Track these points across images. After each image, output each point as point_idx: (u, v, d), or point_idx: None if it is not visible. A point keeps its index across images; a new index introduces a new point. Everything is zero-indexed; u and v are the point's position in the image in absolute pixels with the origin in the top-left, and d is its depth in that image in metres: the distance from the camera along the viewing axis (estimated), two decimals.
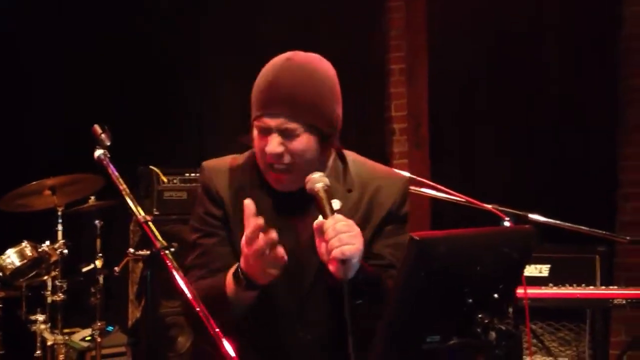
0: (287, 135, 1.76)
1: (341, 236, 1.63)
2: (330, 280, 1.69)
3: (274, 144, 1.76)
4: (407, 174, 2.86)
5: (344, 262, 1.61)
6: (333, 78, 1.86)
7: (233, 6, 5.04)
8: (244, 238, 1.66)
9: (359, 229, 1.68)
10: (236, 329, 1.75)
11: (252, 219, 1.63)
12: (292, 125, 1.75)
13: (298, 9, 5.02)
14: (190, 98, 5.19)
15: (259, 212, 1.67)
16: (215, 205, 1.89)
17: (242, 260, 1.69)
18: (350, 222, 1.67)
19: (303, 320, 1.84)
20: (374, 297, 1.71)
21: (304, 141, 1.77)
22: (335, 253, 1.61)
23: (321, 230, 1.66)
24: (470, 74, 4.94)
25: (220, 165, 1.94)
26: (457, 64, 4.93)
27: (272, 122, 1.76)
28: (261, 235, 1.63)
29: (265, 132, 1.78)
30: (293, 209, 1.84)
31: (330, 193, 1.71)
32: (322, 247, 1.66)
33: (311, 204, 1.74)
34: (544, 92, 4.86)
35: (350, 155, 1.96)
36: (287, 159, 1.77)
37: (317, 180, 1.72)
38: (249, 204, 1.66)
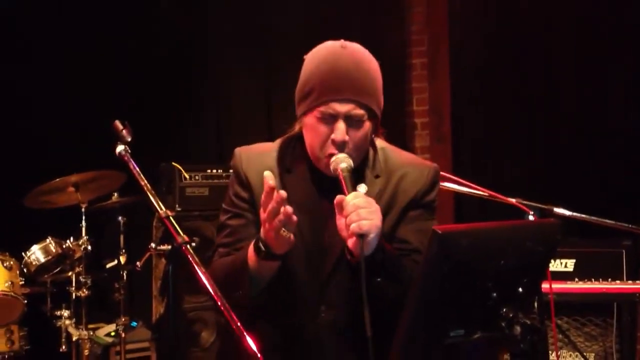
0: (352, 122, 1.79)
1: (360, 211, 1.65)
2: (349, 257, 1.72)
3: (342, 131, 1.78)
4: None
5: (361, 236, 1.63)
6: (378, 66, 1.92)
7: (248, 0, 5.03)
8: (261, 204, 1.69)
9: (377, 206, 1.70)
10: (260, 310, 1.84)
11: (266, 185, 1.66)
12: (360, 112, 1.79)
13: (315, 3, 5.00)
14: (210, 94, 5.19)
15: (291, 195, 1.71)
16: (244, 188, 1.92)
17: (261, 229, 1.73)
18: (370, 199, 1.70)
19: (325, 302, 1.85)
20: (392, 277, 1.73)
21: (366, 129, 1.82)
22: (353, 227, 1.64)
23: (341, 206, 1.69)
24: (493, 67, 4.90)
25: (251, 150, 1.97)
26: (479, 57, 4.90)
27: (341, 107, 1.77)
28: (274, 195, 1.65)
29: (330, 118, 1.79)
30: (324, 194, 1.86)
31: (352, 173, 1.75)
32: (341, 223, 1.69)
33: (340, 188, 1.74)
34: (569, 84, 4.80)
35: (380, 142, 1.97)
36: (348, 147, 1.79)
37: (341, 161, 1.76)
38: (268, 175, 1.67)
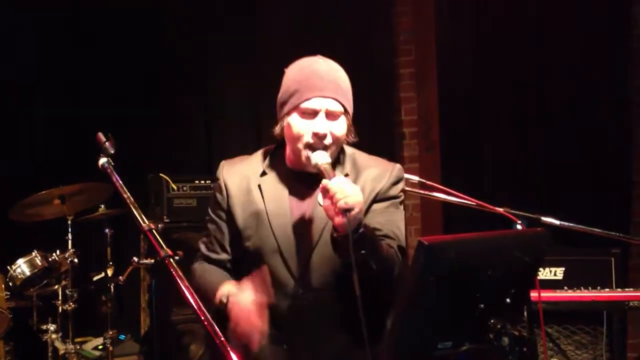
0: (331, 116, 2.00)
1: (344, 190, 1.84)
2: (335, 235, 1.88)
3: (322, 124, 1.99)
4: (416, 178, 2.85)
5: (347, 211, 1.81)
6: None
7: (239, 14, 5.02)
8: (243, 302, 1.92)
9: (358, 186, 1.90)
10: None
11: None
12: (337, 107, 2.00)
13: (304, 14, 5.00)
14: (199, 106, 5.17)
15: (273, 192, 2.05)
16: (221, 195, 2.14)
17: (230, 305, 1.93)
18: (350, 181, 1.91)
19: (304, 284, 2.02)
20: (374, 251, 1.90)
21: (343, 124, 2.03)
22: (340, 204, 1.82)
23: (326, 190, 1.87)
24: (481, 75, 4.91)
25: (234, 161, 2.21)
26: (467, 65, 4.91)
27: (323, 102, 1.99)
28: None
29: (311, 114, 2.00)
30: (303, 187, 2.07)
31: (331, 167, 1.96)
32: (327, 205, 1.88)
33: (317, 184, 1.95)
34: (556, 93, 4.82)
35: (348, 148, 2.15)
36: (329, 139, 2.00)
37: (321, 156, 1.97)
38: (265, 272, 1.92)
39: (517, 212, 2.58)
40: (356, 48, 4.99)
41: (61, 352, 4.01)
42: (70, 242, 4.03)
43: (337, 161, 2.09)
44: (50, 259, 3.93)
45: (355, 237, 1.81)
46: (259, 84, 4.90)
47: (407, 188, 2.63)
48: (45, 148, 4.77)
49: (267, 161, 2.14)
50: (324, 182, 1.89)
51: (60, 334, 4.03)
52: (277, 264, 2.02)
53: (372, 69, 5.04)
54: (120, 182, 1.76)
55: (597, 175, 4.73)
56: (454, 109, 5.00)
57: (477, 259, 1.58)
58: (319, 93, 1.99)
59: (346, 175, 2.06)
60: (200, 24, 5.06)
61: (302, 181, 2.06)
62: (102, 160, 1.82)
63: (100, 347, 4.36)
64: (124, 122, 4.76)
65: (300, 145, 2.01)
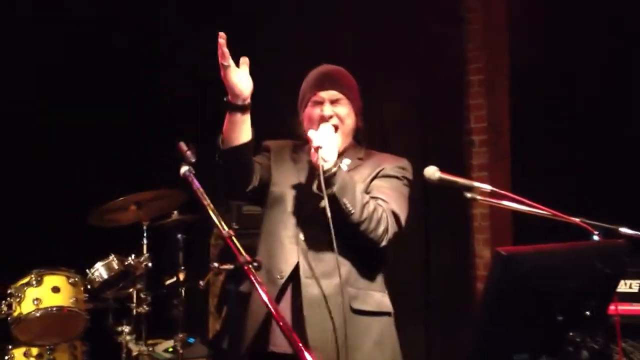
0: (335, 103, 2.49)
1: (318, 134, 2.35)
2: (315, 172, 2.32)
3: (327, 108, 2.49)
4: (488, 186, 2.81)
5: (317, 149, 2.28)
6: (354, 81, 2.60)
7: (303, 26, 5.04)
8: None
9: (334, 134, 2.39)
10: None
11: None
12: (338, 96, 2.49)
13: (372, 22, 5.00)
14: (268, 110, 5.23)
15: (293, 166, 2.56)
16: (267, 152, 2.65)
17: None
18: (330, 131, 2.39)
19: (305, 226, 2.43)
20: (345, 192, 2.28)
21: (346, 108, 2.50)
22: (313, 144, 2.30)
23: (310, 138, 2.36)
24: (553, 82, 4.80)
25: (274, 141, 2.72)
26: (539, 73, 4.80)
27: (325, 94, 2.50)
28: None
29: (319, 103, 2.50)
30: (312, 169, 2.47)
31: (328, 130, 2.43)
32: (311, 150, 2.33)
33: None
34: (634, 99, 4.65)
35: (370, 150, 2.62)
36: (334, 120, 2.47)
37: (324, 126, 2.46)
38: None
39: (593, 223, 2.51)
40: (426, 56, 4.97)
41: (134, 353, 4.12)
42: (145, 246, 4.15)
43: (354, 147, 2.57)
44: (126, 263, 4.06)
45: (326, 174, 2.25)
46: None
47: (477, 197, 2.62)
48: (119, 156, 4.93)
49: (298, 146, 2.63)
50: (310, 131, 2.38)
51: (134, 336, 4.14)
52: (289, 206, 2.46)
53: (442, 76, 5.00)
54: (202, 189, 1.82)
55: None
56: (525, 116, 4.91)
57: (555, 270, 1.56)
58: (322, 87, 2.50)
59: (359, 159, 2.54)
60: (271, 45, 5.13)
61: (304, 154, 2.55)
62: (184, 169, 1.88)
63: (170, 349, 4.47)
64: (194, 131, 4.86)
65: (313, 128, 2.46)
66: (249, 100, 2.31)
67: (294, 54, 5.08)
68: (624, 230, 2.61)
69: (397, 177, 2.52)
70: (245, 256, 1.64)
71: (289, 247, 2.42)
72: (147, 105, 5.09)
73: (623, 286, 3.51)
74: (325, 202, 2.21)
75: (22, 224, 4.62)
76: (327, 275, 2.35)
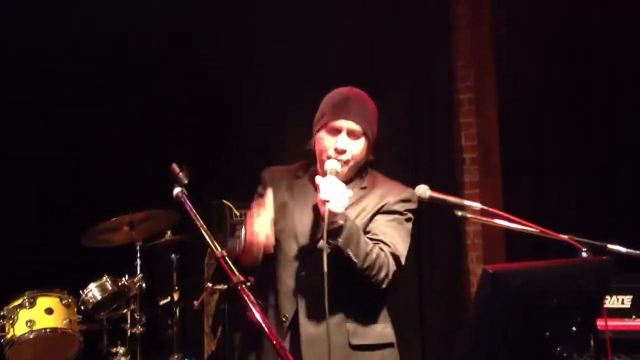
0: (352, 135, 2.38)
1: (327, 185, 2.25)
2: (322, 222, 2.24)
3: (343, 141, 2.38)
4: (478, 205, 2.85)
5: (325, 202, 2.21)
6: (376, 109, 2.53)
7: (295, 41, 5.11)
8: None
9: (342, 185, 2.28)
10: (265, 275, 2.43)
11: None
12: (357, 128, 2.38)
13: (360, 42, 5.06)
14: (260, 133, 5.27)
15: (301, 192, 2.48)
16: (262, 186, 2.56)
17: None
18: (338, 181, 2.29)
19: (305, 268, 2.41)
20: (350, 242, 2.26)
21: (362, 144, 2.41)
22: (320, 196, 2.23)
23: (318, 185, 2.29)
24: (542, 99, 4.84)
25: (276, 167, 2.66)
26: (528, 89, 4.85)
27: (345, 123, 2.38)
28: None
29: (336, 131, 2.39)
30: (312, 187, 2.45)
31: (337, 174, 2.35)
32: (318, 198, 2.27)
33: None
34: (619, 113, 4.69)
35: (374, 171, 2.56)
36: (347, 155, 2.39)
37: (332, 164, 2.36)
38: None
39: (581, 240, 2.54)
40: (414, 75, 5.03)
41: None
42: (138, 267, 4.16)
43: (359, 176, 2.49)
44: (120, 284, 4.06)
45: (331, 226, 2.20)
46: (314, 107, 4.97)
47: (468, 215, 2.65)
48: (111, 177, 4.95)
49: (301, 169, 2.58)
50: (317, 178, 2.30)
51: (129, 357, 4.14)
52: (291, 247, 2.43)
53: (431, 95, 5.05)
54: (194, 210, 1.84)
55: None
56: (515, 133, 4.95)
57: (542, 287, 1.59)
58: (343, 115, 2.38)
59: (363, 188, 2.47)
60: (255, 50, 5.18)
61: (310, 180, 2.49)
62: (177, 190, 1.91)
63: None
64: (187, 148, 4.89)
65: (324, 157, 2.40)
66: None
67: (285, 69, 5.15)
68: (612, 246, 2.65)
69: (399, 213, 2.46)
70: (238, 276, 1.66)
71: (290, 288, 2.42)
72: (139, 125, 5.12)
73: (615, 302, 3.53)
74: (323, 247, 2.20)
75: (15, 245, 4.62)
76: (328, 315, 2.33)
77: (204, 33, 5.12)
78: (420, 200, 2.53)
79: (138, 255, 4.20)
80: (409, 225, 2.49)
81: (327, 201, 2.21)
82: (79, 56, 4.88)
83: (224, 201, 4.74)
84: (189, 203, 1.88)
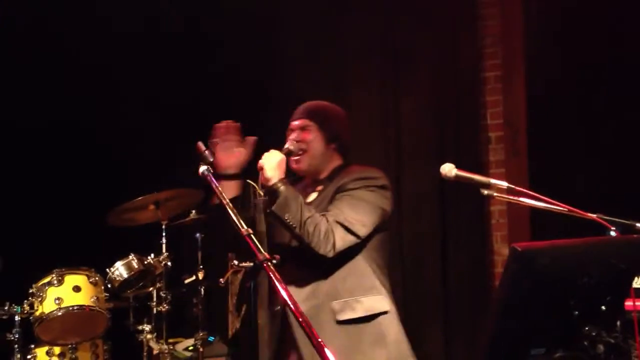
0: (303, 129, 2.73)
1: (267, 155, 2.58)
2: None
3: (294, 134, 2.74)
4: (505, 183, 2.82)
5: (260, 169, 2.53)
6: (340, 112, 2.84)
7: (315, 26, 5.08)
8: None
9: (279, 156, 2.58)
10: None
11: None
12: (305, 122, 2.74)
13: (387, 20, 5.02)
14: (282, 114, 5.26)
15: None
16: None
17: None
18: (276, 152, 2.59)
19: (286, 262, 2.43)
20: (285, 208, 2.48)
21: (313, 133, 2.72)
22: (259, 162, 2.56)
23: None
24: (570, 78, 4.77)
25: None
26: (556, 69, 4.78)
27: (295, 123, 2.76)
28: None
29: (292, 131, 2.75)
30: (301, 184, 2.80)
31: (289, 153, 2.68)
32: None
33: (310, 188, 2.77)
34: None
35: (355, 165, 2.76)
36: (302, 145, 2.70)
37: (287, 145, 2.70)
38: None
39: (610, 219, 2.50)
40: (442, 52, 4.97)
41: (155, 351, 4.15)
42: (164, 246, 4.19)
43: (330, 171, 2.75)
44: (145, 262, 4.09)
45: (269, 190, 2.50)
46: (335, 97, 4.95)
47: (494, 193, 2.62)
48: (138, 156, 4.97)
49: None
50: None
51: (154, 335, 4.18)
52: (271, 242, 2.66)
53: (458, 72, 4.99)
54: (220, 188, 1.84)
55: None
56: (541, 112, 4.90)
57: (571, 265, 1.57)
58: (294, 117, 2.78)
59: (331, 179, 2.71)
60: (284, 39, 5.16)
61: (301, 185, 2.81)
62: (202, 168, 1.91)
63: (191, 347, 4.50)
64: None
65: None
66: (231, 171, 2.65)
67: (308, 56, 5.12)
68: None
69: (353, 189, 2.63)
70: (264, 254, 1.66)
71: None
72: (167, 105, 5.13)
73: None
74: (258, 203, 2.57)
75: (43, 224, 4.68)
76: (309, 298, 2.53)
77: (219, 20, 5.12)
78: (446, 179, 2.50)
79: (163, 234, 4.22)
80: (370, 195, 2.63)
81: (262, 167, 2.53)
82: (108, 40, 4.91)
83: (248, 181, 4.77)
84: (214, 181, 1.89)
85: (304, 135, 2.72)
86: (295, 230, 2.47)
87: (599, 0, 4.59)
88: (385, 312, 2.58)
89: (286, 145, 2.69)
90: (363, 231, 2.55)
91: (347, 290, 2.55)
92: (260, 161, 2.56)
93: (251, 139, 2.71)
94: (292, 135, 2.74)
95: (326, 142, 2.74)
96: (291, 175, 2.75)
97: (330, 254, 2.48)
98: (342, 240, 2.50)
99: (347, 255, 2.54)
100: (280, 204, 2.48)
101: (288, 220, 2.47)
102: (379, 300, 2.59)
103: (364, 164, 2.80)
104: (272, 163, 2.54)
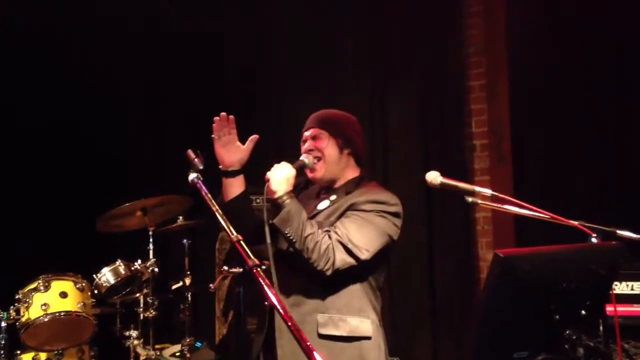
0: (315, 138, 2.72)
1: (275, 167, 2.54)
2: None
3: (307, 143, 2.73)
4: (489, 191, 2.86)
5: (267, 181, 2.50)
6: (351, 119, 2.82)
7: (302, 41, 5.12)
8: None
9: (287, 169, 2.55)
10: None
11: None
12: (317, 132, 2.73)
13: (372, 26, 5.06)
14: (273, 121, 5.29)
15: (301, 203, 2.56)
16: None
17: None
18: (286, 165, 2.57)
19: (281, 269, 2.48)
20: (286, 222, 2.45)
21: (325, 141, 2.71)
22: (267, 174, 2.51)
23: None
24: (553, 86, 4.83)
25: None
26: (539, 76, 4.84)
27: (307, 132, 2.75)
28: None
29: (305, 140, 2.75)
30: (314, 193, 2.80)
31: (303, 166, 2.67)
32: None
33: (323, 194, 2.74)
34: (636, 103, 4.68)
35: (374, 183, 2.76)
36: (316, 153, 2.69)
37: (303, 157, 2.69)
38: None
39: (592, 225, 2.55)
40: (427, 61, 5.02)
41: (142, 357, 4.15)
42: (151, 252, 4.20)
43: (346, 183, 2.72)
44: (132, 268, 4.09)
45: (270, 201, 2.48)
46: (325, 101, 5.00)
47: (478, 201, 2.67)
48: (125, 163, 4.98)
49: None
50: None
51: (141, 340, 4.19)
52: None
53: (443, 82, 5.05)
54: (209, 195, 1.87)
55: None
56: (525, 120, 4.95)
57: (552, 271, 1.61)
58: (306, 127, 2.77)
59: (347, 193, 2.67)
60: (275, 41, 5.19)
61: (315, 189, 2.82)
62: (192, 176, 1.94)
63: (177, 353, 4.50)
64: (203, 137, 4.92)
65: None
66: (236, 168, 2.60)
67: (295, 63, 5.16)
68: (621, 232, 2.66)
69: (364, 211, 2.58)
70: (253, 259, 1.69)
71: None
72: (155, 112, 5.15)
73: (625, 288, 3.55)
74: (264, 217, 2.43)
75: (29, 229, 4.67)
76: (297, 305, 2.53)
77: (220, 21, 5.14)
78: (432, 187, 2.55)
79: (151, 240, 4.23)
80: (380, 220, 2.58)
81: (268, 179, 2.50)
82: (97, 47, 4.91)
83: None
84: (204, 188, 1.91)
85: (317, 143, 2.72)
86: (296, 245, 2.45)
87: (583, 9, 4.66)
88: (368, 338, 2.55)
89: (301, 158, 2.67)
90: (365, 256, 2.51)
91: (335, 307, 2.53)
92: (268, 173, 2.53)
93: (254, 137, 2.66)
94: (305, 146, 2.73)
95: (340, 148, 2.72)
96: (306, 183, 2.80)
97: (328, 272, 2.45)
98: (342, 261, 2.47)
99: (344, 273, 2.50)
100: (282, 218, 2.46)
101: (288, 235, 2.45)
102: (365, 324, 2.56)
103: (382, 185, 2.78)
104: (279, 176, 2.52)
